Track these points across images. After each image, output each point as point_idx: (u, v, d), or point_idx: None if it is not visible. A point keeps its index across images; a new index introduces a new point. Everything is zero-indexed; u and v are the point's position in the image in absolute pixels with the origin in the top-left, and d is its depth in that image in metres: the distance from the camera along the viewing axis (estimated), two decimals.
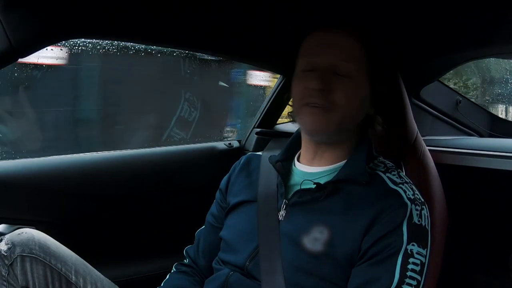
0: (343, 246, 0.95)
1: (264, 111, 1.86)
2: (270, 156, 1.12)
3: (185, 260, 1.25)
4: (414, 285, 0.92)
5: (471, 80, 2.79)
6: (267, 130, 1.85)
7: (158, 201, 1.67)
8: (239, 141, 1.93)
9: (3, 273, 1.05)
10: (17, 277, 1.05)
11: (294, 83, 1.04)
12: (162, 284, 1.19)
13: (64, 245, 1.15)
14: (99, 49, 2.15)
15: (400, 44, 1.39)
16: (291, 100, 1.08)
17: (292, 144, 1.13)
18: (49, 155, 1.54)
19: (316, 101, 0.98)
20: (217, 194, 1.22)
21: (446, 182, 1.30)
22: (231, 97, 2.97)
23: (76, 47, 2.10)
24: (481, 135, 1.91)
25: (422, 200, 1.00)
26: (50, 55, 2.05)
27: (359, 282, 0.93)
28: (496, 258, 1.49)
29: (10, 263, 1.05)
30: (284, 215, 1.04)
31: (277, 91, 1.80)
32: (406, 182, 1.01)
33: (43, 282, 1.07)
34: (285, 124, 1.96)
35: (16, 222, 1.37)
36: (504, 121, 2.04)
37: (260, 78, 2.84)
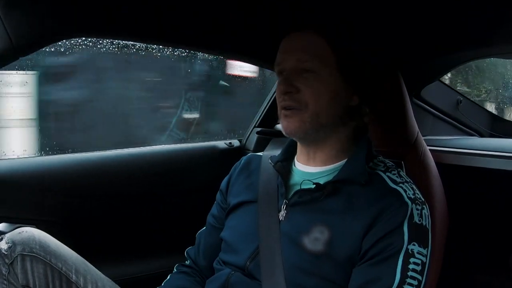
0: (344, 246, 0.95)
1: (265, 110, 1.86)
2: (271, 156, 1.12)
3: (186, 261, 1.25)
4: (415, 285, 0.92)
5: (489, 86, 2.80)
6: (268, 130, 1.85)
7: (158, 200, 1.67)
8: (240, 141, 1.93)
9: (3, 272, 1.05)
10: (18, 276, 1.06)
11: None
12: (162, 284, 1.19)
13: (65, 244, 1.15)
14: None
15: (400, 44, 1.39)
16: None
17: (292, 144, 1.13)
18: None
19: (287, 104, 1.01)
20: (218, 195, 1.22)
21: (446, 182, 1.30)
22: None
23: None
24: (482, 135, 1.91)
25: (423, 199, 1.00)
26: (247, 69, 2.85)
27: (359, 282, 0.93)
28: (496, 258, 1.48)
29: (10, 262, 1.05)
30: (284, 215, 1.04)
31: None
32: (407, 182, 1.01)
33: (43, 281, 1.07)
34: None
35: (16, 221, 1.37)
36: (505, 121, 2.03)
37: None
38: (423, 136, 1.34)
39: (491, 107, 2.63)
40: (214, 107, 3.06)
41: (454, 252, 1.29)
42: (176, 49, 2.39)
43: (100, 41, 2.11)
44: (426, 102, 1.73)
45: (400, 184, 0.99)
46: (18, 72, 2.15)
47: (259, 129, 1.85)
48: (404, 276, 0.91)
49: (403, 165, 1.26)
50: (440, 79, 1.76)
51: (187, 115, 2.91)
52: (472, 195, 1.46)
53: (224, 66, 2.88)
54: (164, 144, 1.85)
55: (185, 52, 2.53)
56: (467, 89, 2.74)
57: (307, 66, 1.00)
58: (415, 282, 0.92)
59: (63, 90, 2.33)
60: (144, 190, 1.65)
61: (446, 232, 1.25)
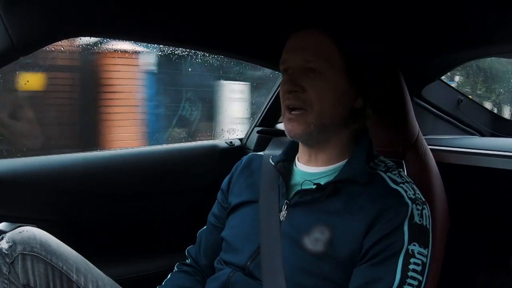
0: (344, 246, 0.94)
1: (265, 109, 1.86)
2: (272, 156, 1.12)
3: (187, 260, 1.25)
4: (416, 285, 0.92)
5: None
6: (268, 129, 1.85)
7: (159, 199, 1.67)
8: (240, 140, 1.93)
9: (4, 271, 1.05)
10: (18, 275, 1.05)
11: None
12: (163, 283, 1.19)
13: (65, 243, 1.15)
14: None
15: (401, 43, 1.39)
16: None
17: (293, 144, 1.13)
18: None
19: (292, 103, 1.00)
20: (219, 194, 1.22)
21: (447, 181, 1.29)
22: None
23: None
24: (482, 135, 1.90)
25: (423, 199, 1.00)
26: None
27: (360, 283, 0.93)
28: (497, 258, 1.48)
29: (11, 261, 1.05)
30: (285, 215, 1.04)
31: (278, 89, 1.79)
32: (407, 182, 1.01)
33: (44, 280, 1.07)
34: None
35: (17, 220, 1.37)
36: (506, 120, 2.03)
37: None
38: (423, 135, 1.34)
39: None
40: None
41: (455, 252, 1.29)
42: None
43: None
44: (427, 102, 1.73)
45: (401, 184, 0.99)
46: (240, 82, 3.23)
47: (259, 128, 1.85)
48: (404, 276, 0.91)
49: (404, 164, 1.26)
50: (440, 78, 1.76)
51: None
52: (473, 195, 1.46)
53: None
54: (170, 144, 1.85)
55: None
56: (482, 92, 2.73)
57: (313, 66, 0.99)
58: (415, 282, 0.92)
59: (259, 96, 3.10)
60: (145, 189, 1.65)
61: (447, 231, 1.25)
